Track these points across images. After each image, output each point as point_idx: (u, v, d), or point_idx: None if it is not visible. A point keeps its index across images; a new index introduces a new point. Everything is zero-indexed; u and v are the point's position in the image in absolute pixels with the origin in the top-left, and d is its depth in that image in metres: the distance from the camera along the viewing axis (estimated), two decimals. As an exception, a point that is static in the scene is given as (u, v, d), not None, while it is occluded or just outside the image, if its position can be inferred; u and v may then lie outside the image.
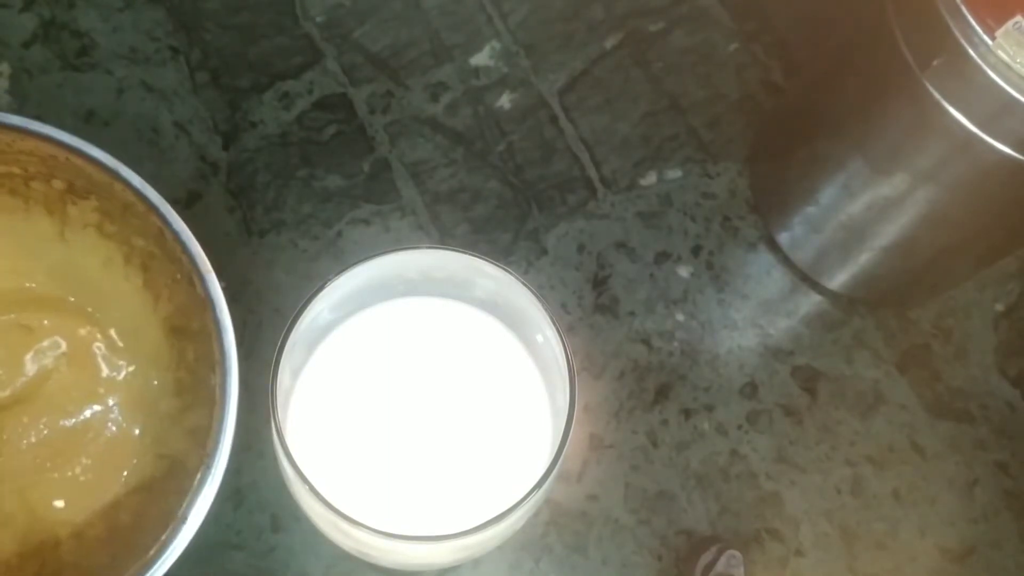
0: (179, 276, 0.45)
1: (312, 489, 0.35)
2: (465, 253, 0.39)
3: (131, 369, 0.48)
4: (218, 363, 0.41)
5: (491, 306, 0.42)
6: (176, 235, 0.42)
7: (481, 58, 0.59)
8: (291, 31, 0.58)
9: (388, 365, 0.41)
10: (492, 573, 0.49)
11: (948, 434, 0.53)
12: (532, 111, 0.58)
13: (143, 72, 0.56)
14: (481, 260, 0.39)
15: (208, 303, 0.42)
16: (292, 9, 0.59)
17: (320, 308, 0.39)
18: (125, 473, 0.46)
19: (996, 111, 0.40)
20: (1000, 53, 0.38)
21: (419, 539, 0.35)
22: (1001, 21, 0.38)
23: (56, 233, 0.48)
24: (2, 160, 0.45)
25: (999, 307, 0.56)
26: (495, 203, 0.56)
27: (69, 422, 0.47)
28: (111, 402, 0.48)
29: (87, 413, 0.48)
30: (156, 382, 0.47)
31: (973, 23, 0.38)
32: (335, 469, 0.38)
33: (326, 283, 0.38)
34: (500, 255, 0.54)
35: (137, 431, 0.47)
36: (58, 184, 0.46)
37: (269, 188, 0.55)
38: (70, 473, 0.47)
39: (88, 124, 0.55)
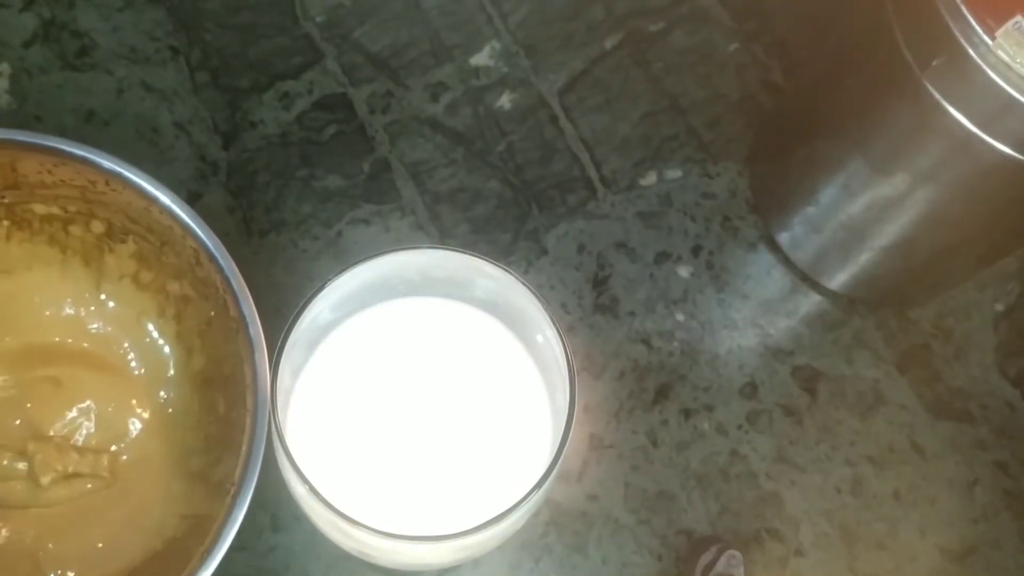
0: (213, 313, 0.44)
1: (312, 489, 0.35)
2: (465, 253, 0.39)
3: (160, 429, 0.46)
4: (249, 386, 0.41)
5: (491, 306, 0.42)
6: (212, 255, 0.42)
7: (481, 58, 0.59)
8: (291, 31, 0.58)
9: (388, 365, 0.41)
10: (492, 573, 0.49)
11: (948, 434, 0.53)
12: (532, 111, 0.58)
13: (143, 72, 0.56)
14: (481, 260, 0.39)
15: (242, 322, 0.41)
16: (292, 9, 0.59)
17: (320, 308, 0.39)
18: (146, 539, 0.44)
19: (996, 111, 0.40)
20: (1000, 53, 0.38)
21: (419, 539, 0.35)
22: (1001, 21, 0.38)
23: (92, 286, 0.47)
24: (43, 196, 0.45)
25: (999, 307, 0.56)
26: (495, 203, 0.56)
27: (91, 484, 0.45)
28: (138, 464, 0.46)
29: (112, 475, 0.45)
30: (185, 441, 0.46)
31: (973, 23, 0.38)
32: (335, 469, 0.38)
33: (326, 283, 0.38)
34: (500, 255, 0.54)
35: (163, 494, 0.45)
36: (97, 227, 0.45)
37: (269, 188, 0.55)
38: (87, 540, 0.44)
39: (88, 124, 0.55)
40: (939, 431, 0.53)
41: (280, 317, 0.40)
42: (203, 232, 0.42)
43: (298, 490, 0.37)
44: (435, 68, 0.58)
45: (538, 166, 0.57)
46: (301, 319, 0.38)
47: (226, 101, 0.56)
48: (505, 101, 0.58)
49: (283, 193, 0.55)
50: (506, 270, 0.39)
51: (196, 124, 0.56)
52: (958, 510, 0.52)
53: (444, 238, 0.54)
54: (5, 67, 0.56)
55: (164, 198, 0.42)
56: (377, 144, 0.56)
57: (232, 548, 0.48)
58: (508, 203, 0.56)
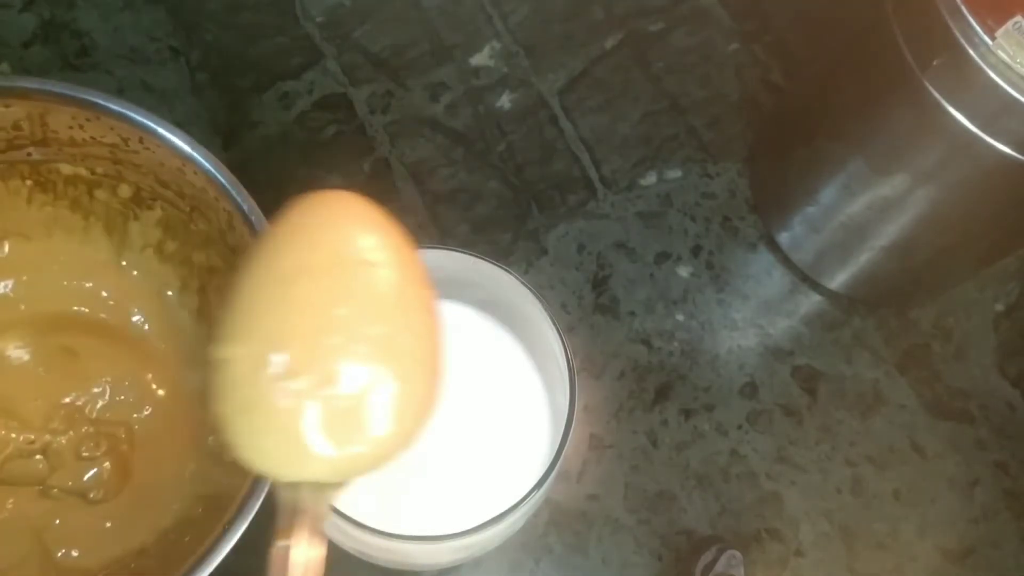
0: None
1: (312, 489, 0.35)
2: (465, 253, 0.39)
3: (177, 406, 0.45)
4: None
5: (491, 306, 0.42)
6: (246, 217, 0.41)
7: (481, 58, 0.59)
8: (291, 31, 0.58)
9: (388, 365, 0.40)
10: (492, 573, 0.49)
11: (948, 434, 0.53)
12: (532, 111, 0.58)
13: (143, 72, 0.56)
14: (481, 260, 0.39)
15: None
16: (292, 9, 0.59)
17: (320, 308, 0.39)
18: (157, 519, 0.43)
19: (996, 111, 0.40)
20: (1000, 53, 0.38)
21: (419, 539, 0.35)
22: (1001, 21, 0.38)
23: (113, 256, 0.46)
24: (71, 155, 0.43)
25: (999, 307, 0.56)
26: (495, 203, 0.56)
27: (103, 461, 0.44)
28: (153, 441, 0.44)
29: (124, 449, 0.44)
30: (203, 419, 0.44)
31: (973, 23, 0.38)
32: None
33: (326, 283, 0.38)
34: (500, 255, 0.54)
35: (178, 472, 0.44)
36: (124, 191, 0.44)
37: (269, 188, 0.55)
38: (95, 519, 0.43)
39: (88, 124, 0.55)
40: (939, 431, 0.53)
41: (280, 317, 0.40)
42: (239, 194, 0.41)
43: (298, 490, 0.37)
44: (435, 68, 0.58)
45: (538, 166, 0.57)
46: (301, 319, 0.38)
47: (226, 101, 0.56)
48: (505, 101, 0.58)
49: (283, 193, 0.55)
50: (506, 270, 0.39)
51: (196, 124, 0.56)
52: (958, 510, 0.52)
53: (444, 238, 0.54)
54: (5, 67, 0.55)
55: (200, 157, 0.41)
56: (377, 144, 0.56)
57: (231, 548, 0.48)
58: (508, 203, 0.56)
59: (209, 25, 0.58)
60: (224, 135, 0.56)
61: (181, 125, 0.55)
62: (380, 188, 0.55)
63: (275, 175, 0.55)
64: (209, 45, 0.57)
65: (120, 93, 0.56)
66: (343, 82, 0.57)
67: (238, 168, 0.55)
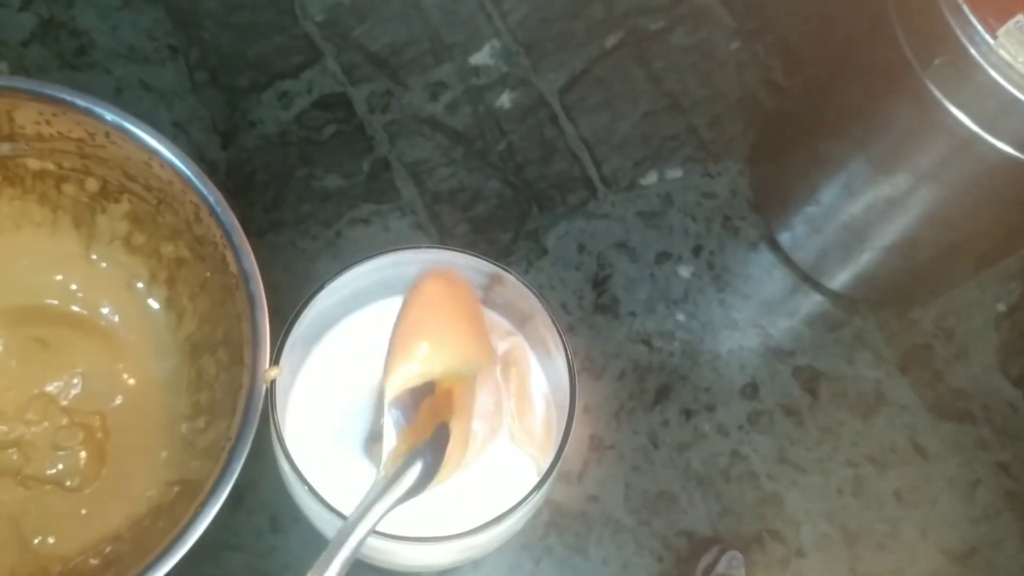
0: (209, 273, 0.44)
1: (311, 490, 0.35)
2: (465, 253, 0.39)
3: (148, 395, 0.46)
4: (248, 342, 0.40)
5: (491, 306, 0.42)
6: (212, 209, 0.41)
7: (481, 57, 0.59)
8: (290, 30, 0.58)
9: (387, 365, 0.40)
10: (492, 574, 0.49)
11: (949, 434, 0.53)
12: (532, 110, 0.58)
13: (142, 71, 0.56)
14: (481, 260, 0.39)
15: (242, 278, 0.41)
16: (291, 8, 0.59)
17: (319, 308, 0.39)
18: (131, 506, 0.44)
19: (998, 110, 0.39)
20: (1002, 52, 0.38)
21: (419, 540, 0.35)
22: (1003, 20, 0.38)
23: (81, 250, 0.47)
24: (39, 151, 0.44)
25: (1001, 307, 0.56)
26: (495, 203, 0.56)
27: (79, 451, 0.44)
28: (125, 429, 0.45)
29: (99, 438, 0.45)
30: (174, 407, 0.45)
31: (975, 22, 0.38)
32: (334, 469, 0.38)
33: (325, 283, 0.38)
34: (500, 255, 0.54)
35: (150, 460, 0.44)
36: (91, 185, 0.45)
37: (268, 188, 0.55)
38: (70, 506, 0.44)
39: (87, 123, 0.55)
40: (940, 432, 0.53)
41: (279, 317, 0.40)
42: (204, 186, 0.41)
43: (297, 490, 0.37)
44: (435, 67, 0.58)
45: (538, 165, 0.56)
46: (300, 319, 0.38)
47: (225, 100, 0.56)
48: (505, 100, 0.58)
49: (282, 193, 0.55)
50: (506, 270, 0.39)
51: (195, 124, 0.55)
52: (959, 511, 0.52)
53: (444, 238, 0.54)
54: (4, 66, 0.55)
55: (165, 150, 0.42)
56: (376, 143, 0.56)
57: (230, 549, 0.48)
58: (508, 203, 0.56)
59: (208, 24, 0.58)
60: (223, 134, 0.55)
61: (180, 124, 0.55)
62: (379, 188, 0.55)
63: (274, 174, 0.55)
64: (208, 44, 0.57)
65: (119, 92, 0.55)
66: (342, 81, 0.57)
67: (237, 167, 0.55)
